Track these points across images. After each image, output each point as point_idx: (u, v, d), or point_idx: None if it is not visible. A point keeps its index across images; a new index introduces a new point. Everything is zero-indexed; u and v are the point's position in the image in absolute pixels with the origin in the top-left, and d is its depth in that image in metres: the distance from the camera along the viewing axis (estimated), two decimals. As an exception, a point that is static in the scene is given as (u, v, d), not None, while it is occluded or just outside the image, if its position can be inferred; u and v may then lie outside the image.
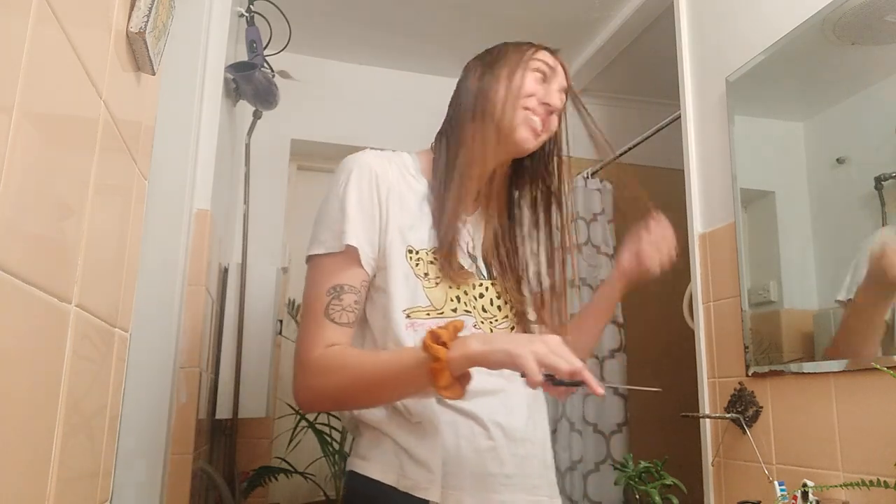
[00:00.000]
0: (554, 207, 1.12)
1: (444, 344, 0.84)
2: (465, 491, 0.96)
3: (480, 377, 0.93)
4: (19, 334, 0.47)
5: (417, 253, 1.01)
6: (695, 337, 1.84)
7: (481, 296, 1.05)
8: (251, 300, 2.07)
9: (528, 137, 1.05)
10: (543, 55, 1.08)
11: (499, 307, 1.06)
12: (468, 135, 1.06)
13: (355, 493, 1.00)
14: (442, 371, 0.83)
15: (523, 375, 0.83)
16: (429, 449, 0.95)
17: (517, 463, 1.00)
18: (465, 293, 1.03)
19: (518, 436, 1.01)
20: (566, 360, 0.82)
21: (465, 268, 1.03)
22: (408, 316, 0.99)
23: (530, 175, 1.13)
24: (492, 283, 1.07)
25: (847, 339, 1.40)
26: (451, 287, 1.01)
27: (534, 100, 1.04)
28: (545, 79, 1.07)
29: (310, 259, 1.01)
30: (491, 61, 1.08)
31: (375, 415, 0.99)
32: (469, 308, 1.03)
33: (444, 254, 1.01)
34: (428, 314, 1.00)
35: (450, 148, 1.07)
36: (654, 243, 1.15)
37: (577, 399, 2.56)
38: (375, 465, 0.97)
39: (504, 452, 0.99)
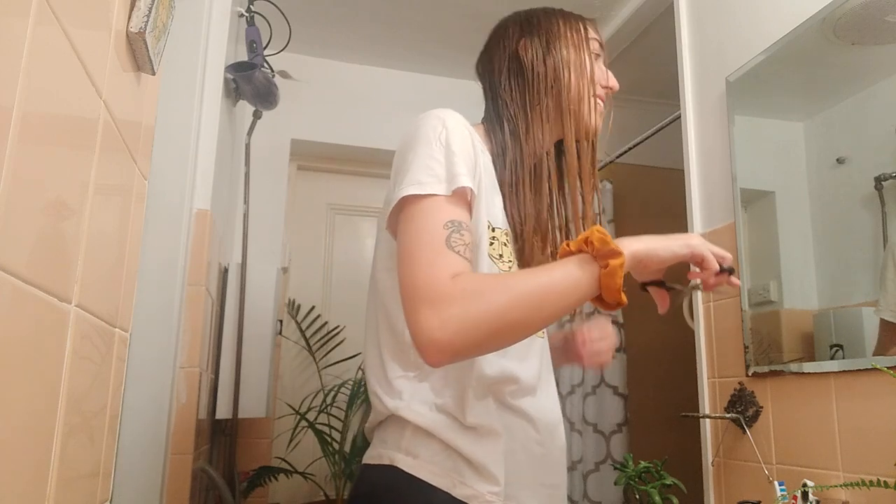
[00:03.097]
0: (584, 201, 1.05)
1: None
2: (523, 501, 0.90)
3: (522, 369, 0.92)
4: (19, 334, 0.47)
5: (494, 231, 0.92)
6: (695, 337, 1.84)
7: None
8: (251, 300, 2.07)
9: (600, 125, 1.02)
10: (594, 33, 1.04)
11: None
12: (537, 118, 0.99)
13: (392, 493, 0.86)
14: (620, 268, 0.76)
15: (662, 291, 0.87)
16: (493, 458, 0.86)
17: (560, 471, 0.97)
18: None
19: (559, 443, 0.97)
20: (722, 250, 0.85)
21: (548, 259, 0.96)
22: None
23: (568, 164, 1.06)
24: None
25: None
26: None
27: (599, 86, 1.02)
28: (598, 58, 1.04)
29: (406, 200, 0.83)
30: (549, 39, 1.01)
31: (419, 411, 0.87)
32: None
33: (536, 241, 0.95)
34: None
35: (516, 132, 0.99)
36: (595, 355, 1.10)
37: (577, 399, 2.56)
38: (426, 465, 0.85)
39: (552, 459, 0.95)
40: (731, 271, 0.87)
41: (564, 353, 1.14)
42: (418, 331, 0.74)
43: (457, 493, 0.83)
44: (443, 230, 0.80)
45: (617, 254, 0.76)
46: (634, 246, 0.80)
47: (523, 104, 1.00)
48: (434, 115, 0.90)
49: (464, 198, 0.84)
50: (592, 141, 1.03)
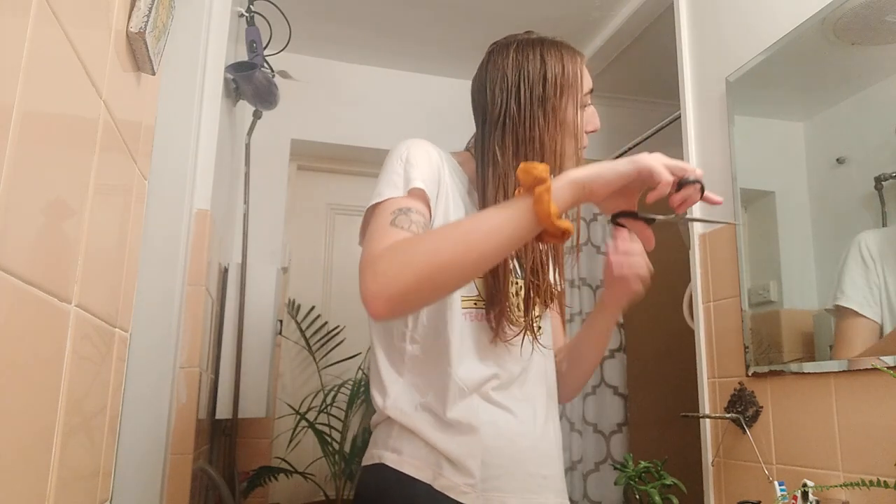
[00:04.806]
0: None
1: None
2: (509, 492, 0.95)
3: (503, 368, 0.97)
4: (19, 334, 0.47)
5: None
6: (695, 337, 1.84)
7: (516, 294, 1.03)
8: (251, 300, 2.07)
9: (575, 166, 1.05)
10: (588, 78, 1.06)
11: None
12: (517, 155, 1.00)
13: (379, 488, 0.94)
14: (546, 193, 0.75)
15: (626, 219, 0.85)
16: (469, 454, 0.92)
17: (550, 463, 1.01)
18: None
19: (550, 435, 1.02)
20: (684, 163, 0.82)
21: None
22: (462, 302, 0.97)
23: None
24: (524, 281, 1.04)
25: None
26: None
27: (584, 134, 1.05)
28: (588, 97, 1.07)
29: (369, 211, 0.94)
30: (547, 88, 1.00)
31: (404, 411, 0.95)
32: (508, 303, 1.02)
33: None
34: (476, 304, 0.99)
35: (494, 165, 1.01)
36: (623, 265, 1.02)
37: (577, 399, 2.56)
38: (409, 460, 0.93)
39: (540, 451, 1.00)
40: (701, 186, 0.80)
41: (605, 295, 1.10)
42: (361, 293, 0.79)
43: (437, 484, 0.91)
44: (389, 216, 0.89)
45: (541, 180, 0.76)
46: (576, 174, 0.80)
47: (505, 138, 1.01)
48: (402, 143, 1.00)
49: (420, 195, 0.94)
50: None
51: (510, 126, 1.00)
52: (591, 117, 1.06)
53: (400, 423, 0.94)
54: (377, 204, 0.92)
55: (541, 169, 0.77)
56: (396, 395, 0.96)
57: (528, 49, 1.03)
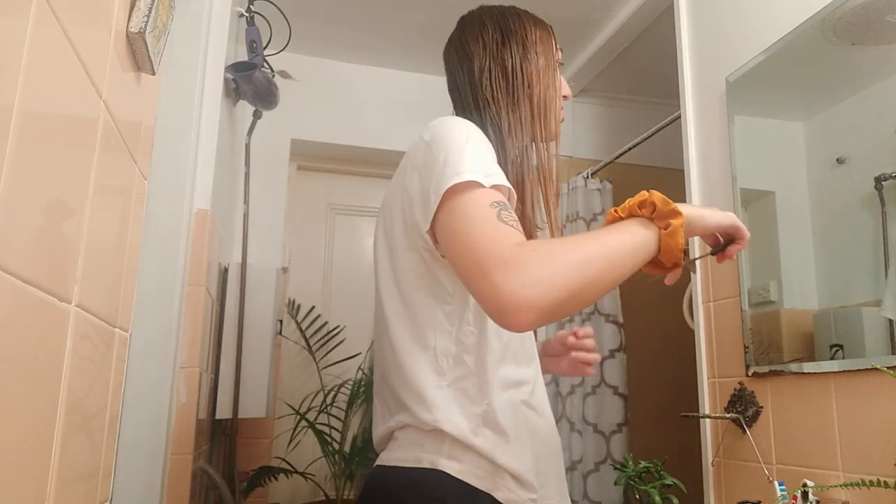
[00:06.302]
0: (552, 196, 1.07)
1: None
2: (554, 499, 0.95)
3: (532, 372, 0.98)
4: (19, 334, 0.47)
5: None
6: (695, 337, 1.84)
7: None
8: (251, 300, 2.07)
9: (559, 131, 1.07)
10: (556, 43, 1.10)
11: None
12: (516, 119, 1.02)
13: (436, 495, 0.87)
14: (681, 228, 0.79)
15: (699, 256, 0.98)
16: (528, 467, 0.90)
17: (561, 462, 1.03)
18: None
19: (558, 437, 1.04)
20: None
21: None
22: None
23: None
24: None
25: None
26: None
27: (560, 96, 1.08)
28: (560, 66, 1.10)
29: (452, 190, 0.81)
30: (526, 45, 1.05)
31: (457, 424, 0.88)
32: None
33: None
34: None
35: (499, 131, 1.01)
36: (586, 357, 1.12)
37: (577, 399, 2.56)
38: (471, 468, 0.87)
39: (560, 452, 1.01)
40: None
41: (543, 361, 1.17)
42: (499, 295, 0.71)
43: (499, 495, 0.87)
44: (491, 209, 0.79)
45: (677, 213, 0.80)
46: (688, 210, 0.83)
47: (505, 105, 1.03)
48: (456, 120, 0.93)
49: (508, 194, 0.86)
50: (554, 144, 1.08)
51: (528, 94, 1.03)
52: (563, 83, 1.10)
53: (452, 435, 0.88)
54: (464, 184, 0.81)
55: (675, 206, 0.80)
56: (446, 405, 0.89)
57: (525, 20, 1.09)
